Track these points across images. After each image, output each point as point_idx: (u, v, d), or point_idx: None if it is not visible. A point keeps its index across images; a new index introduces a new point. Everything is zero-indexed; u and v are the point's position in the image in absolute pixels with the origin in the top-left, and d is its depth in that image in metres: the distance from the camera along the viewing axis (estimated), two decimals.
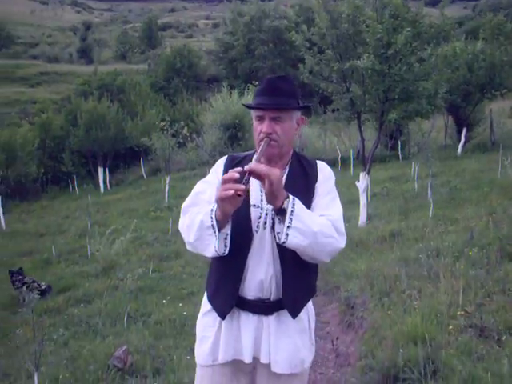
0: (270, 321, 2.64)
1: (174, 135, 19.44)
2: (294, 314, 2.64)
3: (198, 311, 7.60)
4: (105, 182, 24.87)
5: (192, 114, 29.13)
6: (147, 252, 12.07)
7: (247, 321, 2.66)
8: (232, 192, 2.28)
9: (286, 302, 2.61)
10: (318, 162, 2.79)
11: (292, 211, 2.39)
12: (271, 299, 2.63)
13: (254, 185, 2.60)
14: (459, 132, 19.55)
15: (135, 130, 25.81)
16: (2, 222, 18.92)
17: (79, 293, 9.86)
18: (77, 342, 7.14)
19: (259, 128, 2.60)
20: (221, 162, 2.81)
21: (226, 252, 2.52)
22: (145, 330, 7.00)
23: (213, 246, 2.46)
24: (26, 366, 5.49)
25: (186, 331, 6.69)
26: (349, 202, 11.99)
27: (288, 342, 2.66)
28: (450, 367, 3.20)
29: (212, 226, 2.44)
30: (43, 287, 10.84)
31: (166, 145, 19.08)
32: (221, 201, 2.35)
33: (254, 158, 2.58)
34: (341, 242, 2.52)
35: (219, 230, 2.45)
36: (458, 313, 4.20)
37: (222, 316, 2.68)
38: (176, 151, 21.36)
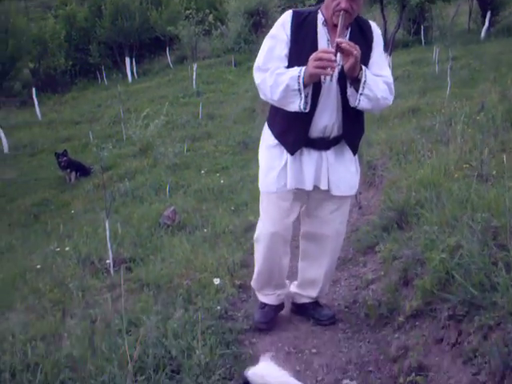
0: (328, 154, 3.13)
1: (199, 23, 19.58)
2: (354, 150, 3.19)
3: (234, 181, 8.33)
4: (132, 72, 25.21)
5: (215, 1, 28.85)
6: (180, 134, 12.74)
7: (309, 155, 3.10)
8: (329, 70, 2.71)
9: (348, 141, 3.13)
10: (369, 21, 3.14)
11: (365, 81, 2.84)
12: (330, 137, 3.11)
13: (322, 41, 2.98)
14: (483, 16, 19.26)
15: (160, 20, 25.77)
16: (38, 112, 19.66)
17: (121, 171, 10.65)
18: (126, 208, 7.96)
19: (335, 3, 2.88)
20: (288, 18, 3.00)
21: (308, 109, 2.91)
22: (187, 196, 7.78)
23: (297, 104, 2.89)
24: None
25: (224, 196, 7.43)
26: None
27: (345, 169, 3.15)
28: (450, 192, 3.84)
29: (299, 89, 2.85)
30: (87, 167, 11.69)
31: (192, 32, 19.30)
32: (313, 73, 2.75)
33: (338, 29, 2.82)
34: (391, 101, 3.04)
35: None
36: (464, 165, 4.78)
37: (292, 152, 3.08)
38: (201, 39, 21.59)
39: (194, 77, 18.27)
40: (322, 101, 2.99)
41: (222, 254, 4.53)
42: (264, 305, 3.49)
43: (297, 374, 2.93)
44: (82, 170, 11.74)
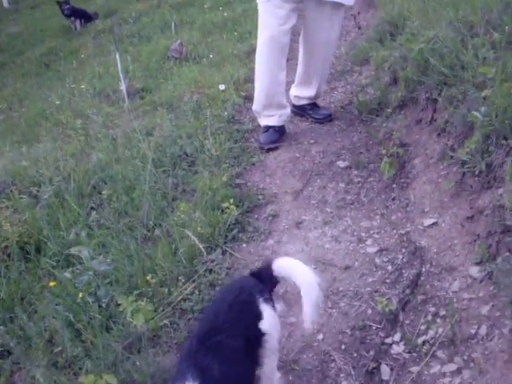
0: None
1: None
2: None
3: (237, 14, 8.30)
4: None
5: None
6: None
7: None
8: None
9: None
10: None
11: None
12: None
13: None
14: None
15: None
16: None
17: (126, 14, 10.69)
18: (134, 47, 8.17)
19: None
20: None
21: None
22: (192, 31, 7.94)
23: None
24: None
25: (227, 28, 7.57)
26: None
27: None
28: None
29: None
30: (91, 13, 11.70)
31: None
32: None
33: None
34: None
35: None
36: None
37: None
38: None
39: None
40: None
41: (227, 71, 4.84)
42: (267, 127, 3.68)
43: (296, 160, 3.37)
44: (86, 17, 11.75)
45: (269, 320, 1.74)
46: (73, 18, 11.77)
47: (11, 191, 3.82)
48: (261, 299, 1.75)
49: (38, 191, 3.73)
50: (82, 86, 6.58)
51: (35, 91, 8.30)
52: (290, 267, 1.83)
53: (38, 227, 3.24)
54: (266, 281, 1.84)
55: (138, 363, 2.06)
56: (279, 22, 3.40)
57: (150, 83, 5.90)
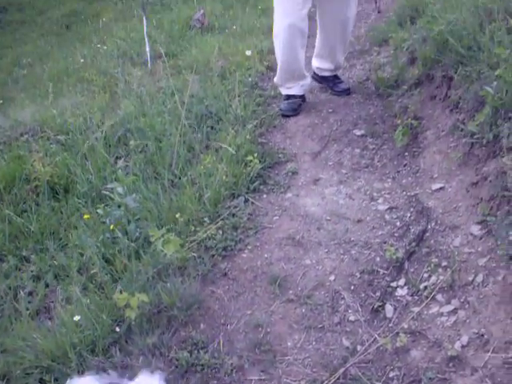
0: None
1: None
2: None
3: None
4: None
5: None
6: None
7: None
8: None
9: None
10: None
11: None
12: None
13: None
14: None
15: None
16: None
17: None
18: (156, 15, 8.27)
19: None
20: None
21: None
22: (214, 2, 8.09)
23: None
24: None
25: (250, 2, 7.72)
26: None
27: None
28: None
29: None
30: None
31: None
32: None
33: None
34: None
35: None
36: None
37: None
38: None
39: None
40: None
41: (251, 42, 5.04)
42: (288, 96, 3.86)
43: (315, 126, 3.59)
44: None
45: None
46: None
47: (41, 137, 4.04)
48: None
49: (65, 140, 3.94)
50: (105, 47, 6.77)
51: (56, 50, 8.48)
52: None
53: (68, 169, 3.47)
54: None
55: (168, 286, 2.29)
56: (296, 8, 3.50)
57: (174, 49, 6.08)
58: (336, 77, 4.09)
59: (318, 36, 3.96)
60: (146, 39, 5.71)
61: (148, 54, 5.67)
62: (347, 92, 4.03)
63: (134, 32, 7.44)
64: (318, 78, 4.15)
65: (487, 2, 3.50)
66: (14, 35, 10.61)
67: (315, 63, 4.08)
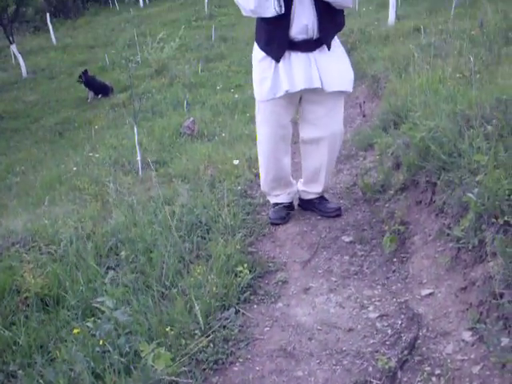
0: (315, 55, 3.36)
1: None
2: (328, 44, 3.45)
3: (248, 97, 8.87)
4: None
5: None
6: (194, 55, 13.23)
7: (297, 58, 3.34)
8: None
9: (322, 37, 3.41)
10: None
11: None
12: (314, 38, 3.33)
13: None
14: None
15: None
16: (53, 37, 20.05)
17: (139, 90, 11.22)
18: (147, 122, 8.59)
19: None
20: None
21: (283, 9, 3.18)
22: (204, 110, 8.38)
23: (272, 7, 3.22)
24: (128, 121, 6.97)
25: (238, 109, 8.03)
26: (379, 4, 12.82)
27: (335, 67, 3.41)
28: (438, 93, 4.42)
29: None
30: (109, 85, 12.27)
31: None
32: None
33: None
34: (351, 4, 3.42)
35: None
36: (457, 75, 5.30)
37: (277, 59, 3.34)
38: None
39: (206, 0, 18.48)
40: (296, 3, 3.26)
41: (239, 150, 5.18)
42: (276, 204, 3.87)
43: (304, 233, 3.63)
44: (102, 91, 12.35)
45: None
46: (87, 89, 12.42)
47: (32, 247, 4.06)
48: None
49: (55, 251, 3.96)
50: (97, 155, 6.92)
51: (49, 157, 8.67)
52: None
53: (58, 281, 3.46)
54: None
55: None
56: (279, 119, 3.53)
57: (164, 156, 6.24)
58: (323, 197, 3.93)
59: (302, 162, 3.86)
60: (138, 147, 5.86)
61: (139, 163, 5.80)
62: (338, 212, 3.82)
63: (125, 139, 7.65)
64: (304, 204, 3.98)
65: (464, 109, 3.67)
66: (9, 143, 10.86)
67: (301, 187, 3.94)
